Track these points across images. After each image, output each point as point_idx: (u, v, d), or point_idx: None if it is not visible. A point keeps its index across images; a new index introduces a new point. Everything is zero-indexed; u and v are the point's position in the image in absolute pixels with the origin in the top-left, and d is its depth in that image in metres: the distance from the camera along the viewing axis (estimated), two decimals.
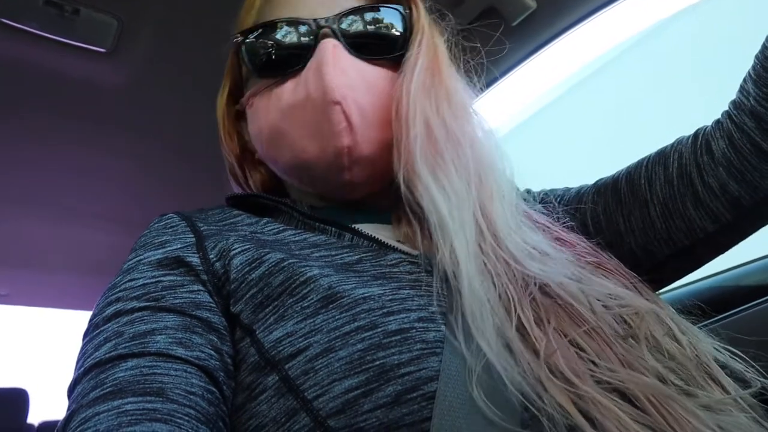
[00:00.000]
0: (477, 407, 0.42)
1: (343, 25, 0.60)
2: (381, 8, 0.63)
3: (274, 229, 0.60)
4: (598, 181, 0.71)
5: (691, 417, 0.43)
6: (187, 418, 0.44)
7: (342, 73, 0.58)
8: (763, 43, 0.58)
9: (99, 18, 1.15)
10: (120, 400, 0.44)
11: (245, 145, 0.72)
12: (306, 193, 0.67)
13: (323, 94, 0.57)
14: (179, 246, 0.55)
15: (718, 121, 0.64)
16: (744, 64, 0.61)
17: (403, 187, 0.55)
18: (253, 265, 0.53)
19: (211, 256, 0.54)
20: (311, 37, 0.60)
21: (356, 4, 0.62)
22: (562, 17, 1.11)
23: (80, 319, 2.59)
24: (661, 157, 0.66)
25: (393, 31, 0.62)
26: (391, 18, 0.63)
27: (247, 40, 0.63)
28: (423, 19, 0.63)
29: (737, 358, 0.52)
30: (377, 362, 0.44)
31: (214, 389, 0.48)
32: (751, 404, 0.49)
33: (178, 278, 0.53)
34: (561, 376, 0.43)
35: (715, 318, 0.88)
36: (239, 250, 0.54)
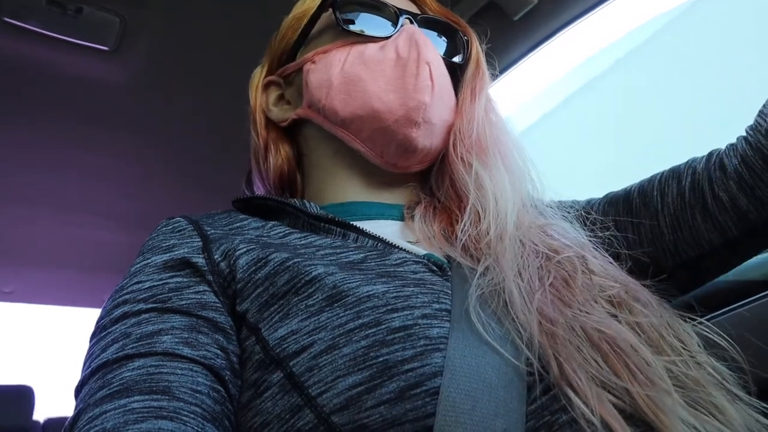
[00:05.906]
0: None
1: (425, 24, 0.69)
2: (453, 28, 0.71)
3: (280, 232, 0.60)
4: (608, 194, 0.73)
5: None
6: (192, 415, 0.44)
7: (430, 46, 0.65)
8: None
9: (102, 17, 1.16)
10: (126, 399, 0.44)
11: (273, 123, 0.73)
12: (330, 169, 0.68)
13: (417, 54, 0.63)
14: (186, 250, 0.56)
15: (732, 144, 0.65)
16: (760, 57, 0.61)
17: (451, 168, 0.63)
18: (259, 264, 0.53)
19: (216, 257, 0.55)
20: (402, 18, 0.67)
21: (435, 16, 0.71)
22: (564, 11, 1.11)
23: (85, 316, 2.60)
24: (675, 173, 0.68)
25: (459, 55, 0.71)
26: (459, 42, 0.71)
27: None
28: (476, 46, 0.71)
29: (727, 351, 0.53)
30: (381, 359, 0.44)
31: (220, 388, 0.48)
32: (720, 372, 0.50)
33: (184, 280, 0.53)
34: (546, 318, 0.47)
35: (717, 313, 0.88)
36: (244, 250, 0.55)
